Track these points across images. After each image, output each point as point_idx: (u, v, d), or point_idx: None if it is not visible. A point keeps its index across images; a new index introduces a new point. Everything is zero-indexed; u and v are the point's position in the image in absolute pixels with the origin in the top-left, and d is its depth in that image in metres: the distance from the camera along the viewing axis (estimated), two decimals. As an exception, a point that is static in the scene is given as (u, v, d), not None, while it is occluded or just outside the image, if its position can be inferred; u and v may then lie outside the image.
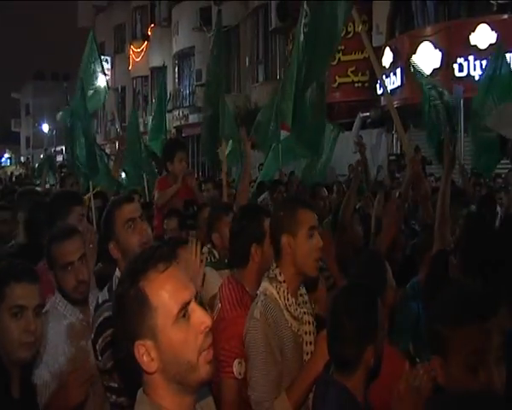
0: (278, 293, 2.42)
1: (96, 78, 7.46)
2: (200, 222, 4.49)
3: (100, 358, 2.42)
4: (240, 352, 2.45)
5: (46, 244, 2.67)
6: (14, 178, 20.80)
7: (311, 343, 2.46)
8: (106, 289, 2.60)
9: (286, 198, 3.71)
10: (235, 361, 2.47)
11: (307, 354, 2.45)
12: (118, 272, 2.59)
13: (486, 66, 8.57)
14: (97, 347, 2.42)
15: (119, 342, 1.48)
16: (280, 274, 2.46)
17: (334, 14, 4.66)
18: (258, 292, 2.49)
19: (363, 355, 2.05)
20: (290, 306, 2.42)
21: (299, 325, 2.45)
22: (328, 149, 7.28)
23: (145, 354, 1.42)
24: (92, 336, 2.47)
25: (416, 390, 1.81)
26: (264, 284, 2.47)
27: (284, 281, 2.44)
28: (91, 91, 7.37)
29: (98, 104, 7.82)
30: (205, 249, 3.72)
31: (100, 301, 2.56)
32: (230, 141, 7.28)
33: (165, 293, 1.42)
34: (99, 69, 7.50)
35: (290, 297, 2.44)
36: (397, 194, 4.86)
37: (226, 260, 3.68)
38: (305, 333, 2.47)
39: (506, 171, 9.26)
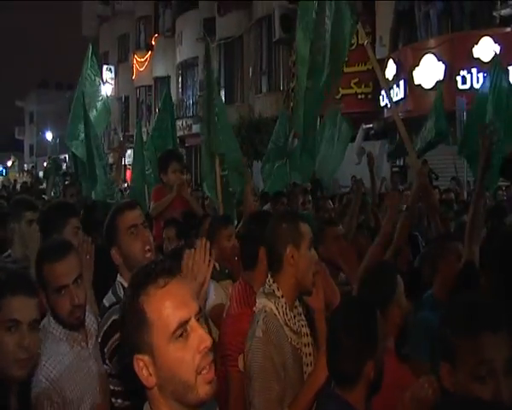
0: (277, 309, 2.39)
1: (101, 90, 7.52)
2: (203, 233, 4.49)
3: (108, 362, 2.41)
4: (244, 347, 2.46)
5: (36, 262, 2.39)
6: (17, 186, 20.61)
7: (310, 354, 2.46)
8: (110, 292, 2.59)
9: (284, 211, 3.70)
10: (241, 356, 2.54)
11: (307, 365, 2.44)
12: (120, 278, 2.59)
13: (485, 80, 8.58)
14: (106, 350, 2.41)
15: (123, 350, 1.48)
16: (278, 289, 2.43)
17: (340, 29, 4.66)
18: (255, 309, 2.46)
19: (362, 370, 2.03)
20: (289, 320, 2.40)
21: (298, 339, 2.44)
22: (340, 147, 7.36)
23: (144, 368, 1.41)
24: (100, 339, 2.44)
25: (419, 402, 1.80)
26: (263, 301, 2.43)
27: (282, 296, 2.42)
28: (99, 103, 7.41)
29: (108, 115, 7.86)
30: None
31: (107, 304, 2.55)
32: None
33: (163, 310, 1.39)
34: (101, 81, 7.57)
35: (289, 312, 2.42)
36: (403, 207, 4.82)
37: (226, 271, 3.68)
38: (304, 345, 2.46)
39: (507, 183, 9.26)
